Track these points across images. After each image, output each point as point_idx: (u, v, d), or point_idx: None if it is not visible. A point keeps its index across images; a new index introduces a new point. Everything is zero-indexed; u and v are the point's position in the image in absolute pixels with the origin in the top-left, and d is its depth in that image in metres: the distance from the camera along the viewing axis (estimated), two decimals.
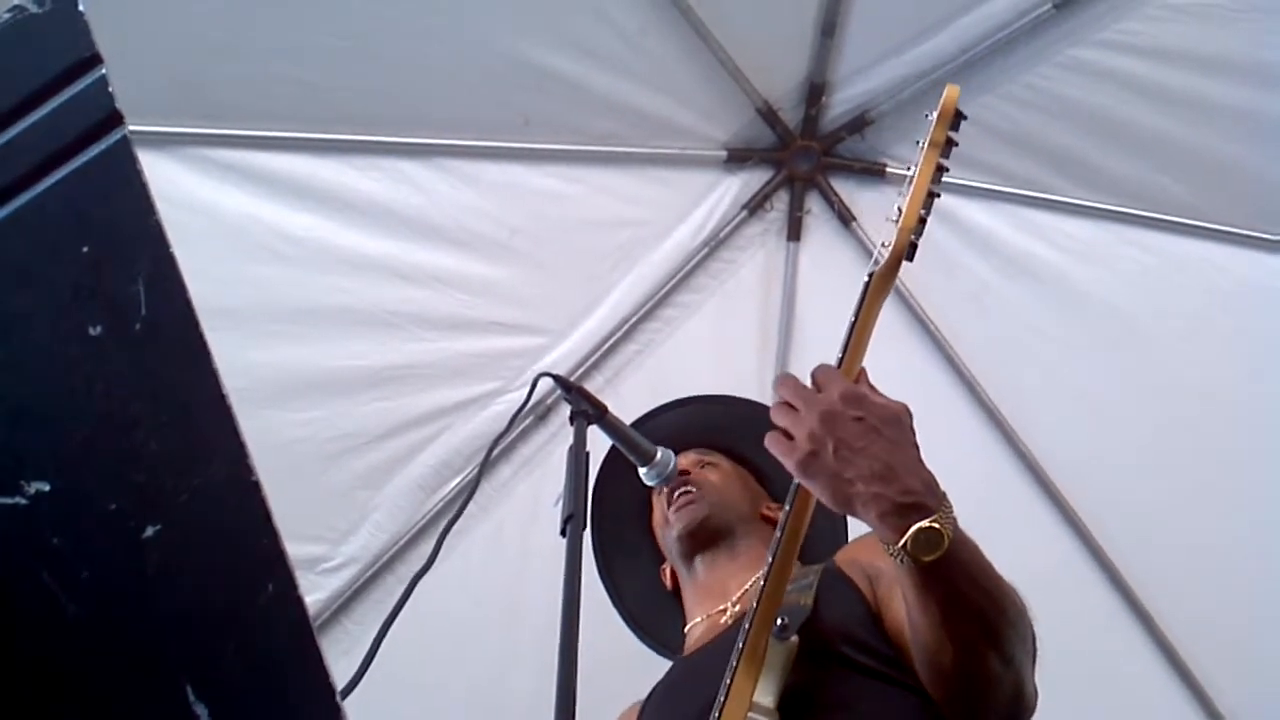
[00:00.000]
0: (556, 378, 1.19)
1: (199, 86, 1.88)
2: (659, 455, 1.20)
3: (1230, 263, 2.13)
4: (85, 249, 0.45)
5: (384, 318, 2.11)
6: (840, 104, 2.24)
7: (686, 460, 1.40)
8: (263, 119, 1.95)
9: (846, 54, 2.15)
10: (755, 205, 2.33)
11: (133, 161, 0.46)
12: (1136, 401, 2.21)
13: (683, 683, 1.20)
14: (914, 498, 0.87)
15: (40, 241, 0.45)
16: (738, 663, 0.99)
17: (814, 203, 2.35)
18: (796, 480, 0.95)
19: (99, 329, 0.44)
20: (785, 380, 0.96)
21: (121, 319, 0.44)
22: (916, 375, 2.25)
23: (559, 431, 2.23)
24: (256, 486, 0.45)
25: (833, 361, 0.98)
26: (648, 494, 1.44)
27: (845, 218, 2.33)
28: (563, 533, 0.98)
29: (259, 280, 2.02)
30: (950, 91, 1.02)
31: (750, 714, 0.97)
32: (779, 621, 1.01)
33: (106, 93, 0.46)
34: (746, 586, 1.25)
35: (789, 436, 0.92)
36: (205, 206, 1.94)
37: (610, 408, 1.17)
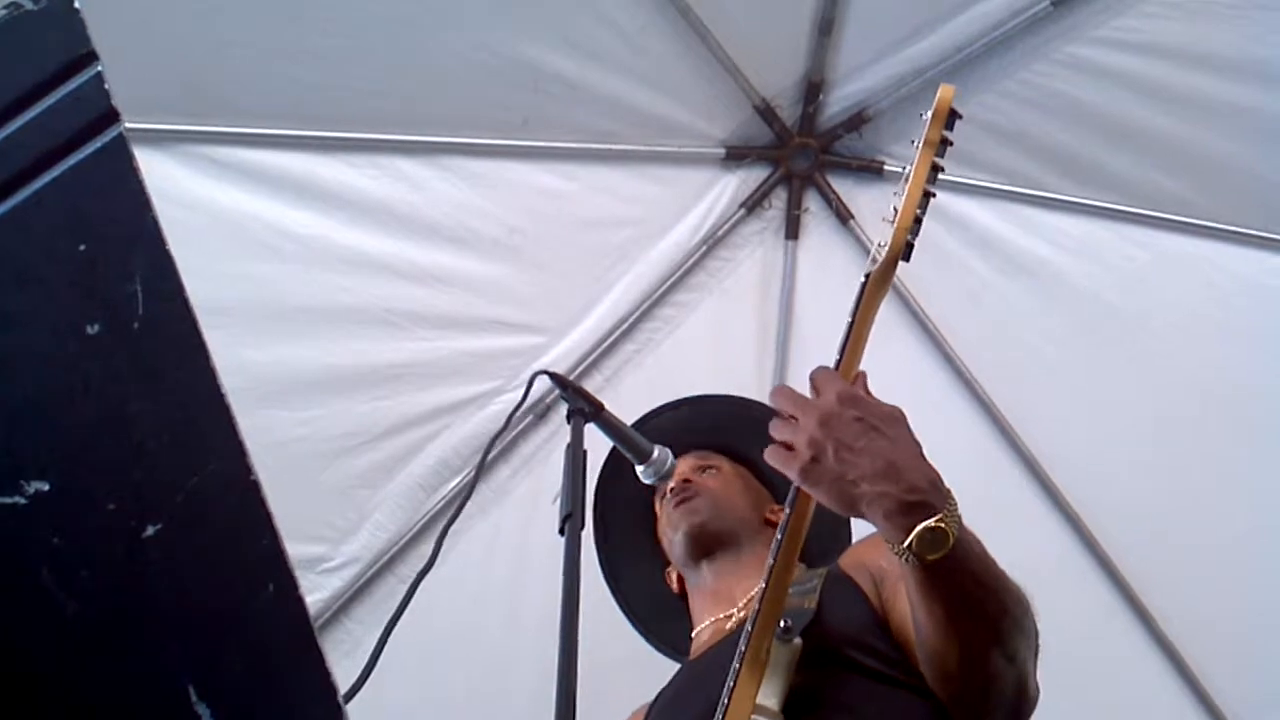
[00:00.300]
0: (554, 376, 1.19)
1: (196, 84, 1.88)
2: (656, 453, 1.19)
3: (1227, 260, 2.14)
4: (82, 247, 0.44)
5: (383, 316, 2.11)
6: (838, 102, 2.24)
7: (687, 465, 1.39)
8: (261, 117, 1.94)
9: (844, 52, 2.15)
10: (753, 203, 2.33)
11: (129, 159, 0.45)
12: (1134, 399, 2.21)
13: (687, 687, 1.20)
14: (919, 496, 0.86)
15: (37, 240, 0.45)
16: (740, 666, 0.99)
17: (812, 201, 2.35)
18: (800, 487, 0.94)
19: (96, 327, 0.44)
20: (780, 391, 0.95)
21: (119, 317, 0.44)
22: (914, 373, 2.25)
23: (558, 430, 2.23)
24: (256, 486, 0.45)
25: (830, 363, 0.98)
26: (652, 495, 1.44)
27: (843, 215, 2.33)
28: (561, 531, 0.98)
29: (257, 278, 2.02)
30: (944, 91, 1.02)
31: (754, 716, 0.97)
32: (782, 624, 1.01)
33: (102, 90, 0.45)
34: (752, 593, 1.24)
35: (789, 448, 0.91)
36: (203, 204, 1.94)
37: (609, 406, 1.17)
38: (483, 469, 1.80)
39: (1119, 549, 2.24)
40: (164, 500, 0.43)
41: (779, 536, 0.99)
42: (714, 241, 2.32)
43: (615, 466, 1.45)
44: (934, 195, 1.02)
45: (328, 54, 1.90)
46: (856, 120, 2.25)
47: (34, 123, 0.45)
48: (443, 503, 2.21)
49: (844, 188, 2.33)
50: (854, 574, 1.13)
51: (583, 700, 0.81)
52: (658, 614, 1.44)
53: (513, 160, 2.15)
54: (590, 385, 2.18)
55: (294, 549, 0.45)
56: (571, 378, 1.61)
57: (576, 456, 1.05)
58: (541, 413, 2.25)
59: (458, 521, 1.09)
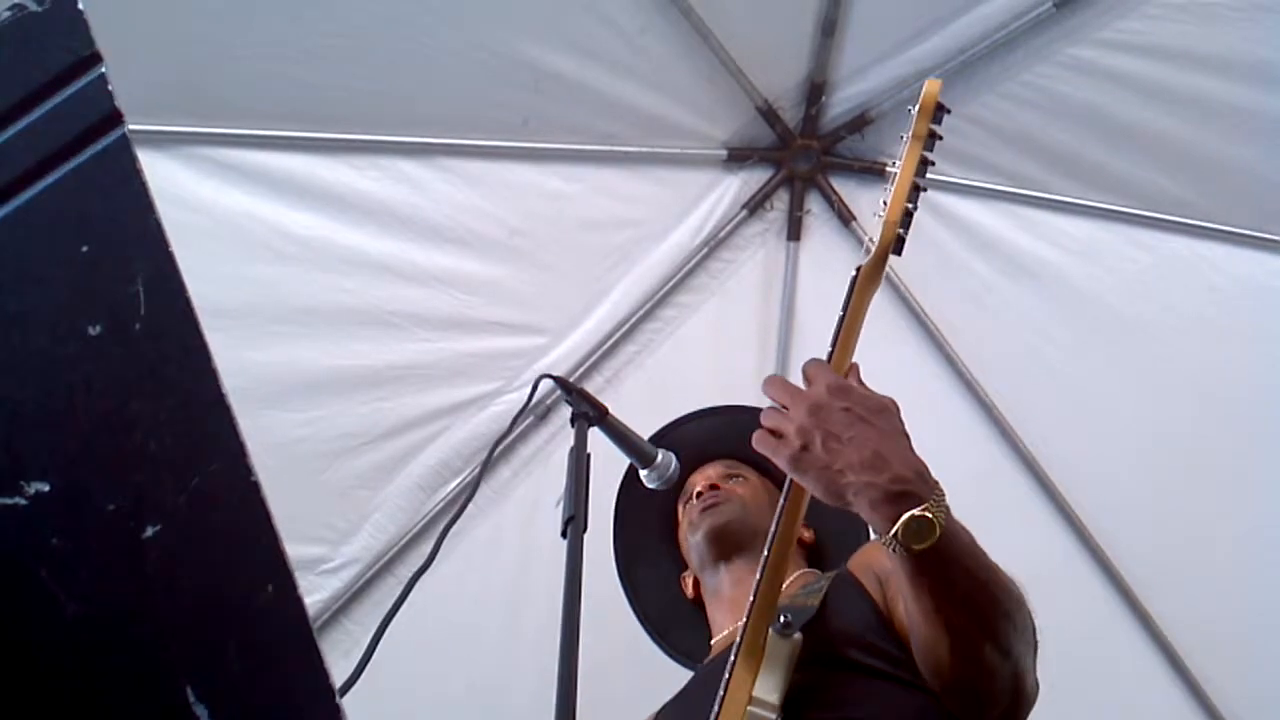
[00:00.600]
0: (558, 379, 1.19)
1: (199, 85, 1.88)
2: (660, 457, 1.20)
3: (1229, 262, 2.13)
4: (85, 249, 0.45)
5: (384, 317, 2.11)
6: (840, 103, 2.24)
7: (715, 472, 1.40)
8: (262, 118, 1.95)
9: (847, 53, 2.15)
10: (755, 204, 2.33)
11: (132, 160, 0.46)
12: (1135, 400, 2.21)
13: (695, 688, 1.20)
14: (904, 485, 0.87)
15: (39, 241, 0.45)
16: (735, 658, 0.99)
17: (814, 202, 2.35)
18: (789, 477, 0.95)
19: (98, 329, 0.44)
20: (772, 381, 0.96)
21: (121, 319, 0.44)
22: (915, 374, 2.25)
23: (559, 432, 2.23)
24: (256, 487, 0.45)
25: (824, 358, 0.98)
26: (672, 504, 1.44)
27: (845, 217, 2.33)
28: (563, 534, 0.98)
29: (259, 280, 2.02)
30: (930, 85, 1.03)
31: (751, 708, 0.97)
32: (782, 619, 1.01)
33: (106, 91, 0.45)
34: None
35: (779, 436, 0.92)
36: (205, 206, 1.94)
37: (610, 407, 1.17)
38: (486, 470, 1.80)
39: (1119, 549, 2.24)
40: (164, 501, 0.43)
41: (773, 529, 0.99)
42: (716, 243, 2.32)
43: (635, 474, 1.46)
44: (924, 189, 1.03)
45: (329, 55, 1.90)
46: (859, 122, 2.25)
47: (38, 124, 0.45)
48: (443, 504, 2.21)
49: (846, 189, 2.33)
50: (861, 576, 1.13)
51: (583, 701, 0.81)
52: (671, 621, 1.44)
53: (514, 161, 2.15)
54: (591, 386, 2.18)
55: (294, 550, 0.45)
56: (573, 379, 1.61)
57: (580, 460, 1.06)
58: (542, 414, 2.25)
59: (458, 522, 1.09)
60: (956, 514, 0.90)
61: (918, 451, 0.91)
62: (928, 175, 1.03)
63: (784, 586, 1.14)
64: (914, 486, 0.87)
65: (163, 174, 1.88)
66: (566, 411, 1.16)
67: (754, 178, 2.32)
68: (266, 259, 2.01)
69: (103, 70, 0.45)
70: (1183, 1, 1.92)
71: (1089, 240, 2.20)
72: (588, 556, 0.96)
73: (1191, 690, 2.21)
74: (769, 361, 2.36)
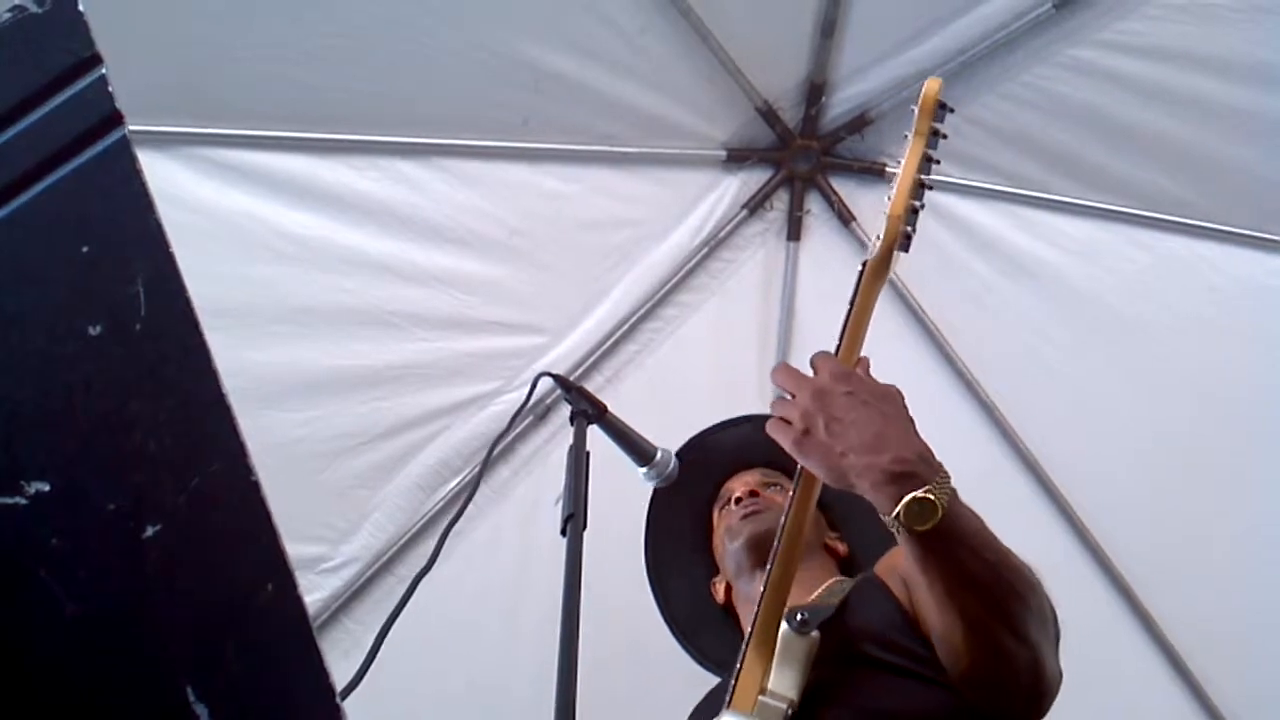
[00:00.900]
0: (556, 377, 1.19)
1: (199, 86, 1.88)
2: (658, 455, 1.20)
3: (1228, 262, 2.13)
4: (85, 249, 0.45)
5: (383, 317, 2.11)
6: (840, 103, 2.24)
7: (753, 479, 1.40)
8: (262, 119, 1.95)
9: (846, 53, 2.15)
10: (755, 205, 2.33)
11: (132, 161, 0.46)
12: (1135, 400, 2.21)
13: (719, 692, 1.20)
14: (905, 467, 0.87)
15: (40, 241, 0.45)
16: (747, 648, 1.00)
17: (814, 202, 2.35)
18: (798, 463, 0.96)
19: (99, 329, 0.44)
20: (780, 369, 0.99)
21: (121, 319, 0.44)
22: (915, 373, 2.25)
23: (559, 432, 2.23)
24: (256, 486, 0.45)
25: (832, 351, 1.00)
26: (706, 509, 1.44)
27: (845, 217, 2.33)
28: (563, 532, 0.99)
29: (258, 280, 2.02)
30: (930, 84, 1.04)
31: (763, 699, 0.98)
32: (799, 617, 1.02)
33: (106, 92, 0.46)
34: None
35: (787, 423, 0.94)
36: (205, 206, 1.94)
37: (610, 407, 1.17)
38: (486, 469, 1.81)
39: (1119, 549, 2.24)
40: (164, 501, 0.44)
41: (783, 520, 1.00)
42: (715, 243, 2.32)
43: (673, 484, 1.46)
44: (929, 187, 1.04)
45: (329, 56, 1.90)
46: (858, 122, 2.25)
47: (38, 125, 0.45)
48: (442, 503, 2.21)
49: (846, 189, 2.33)
50: (886, 578, 1.13)
51: (583, 700, 0.82)
52: (700, 626, 1.43)
53: (513, 162, 2.15)
54: (591, 386, 2.18)
55: (294, 549, 0.45)
56: (573, 378, 1.61)
57: (579, 458, 1.06)
58: (542, 413, 2.26)
59: (458, 521, 1.09)
60: (956, 488, 0.90)
61: (916, 429, 0.92)
62: (931, 174, 1.04)
63: (813, 594, 1.15)
64: (916, 467, 0.87)
65: (163, 175, 1.88)
66: (566, 411, 1.16)
67: (754, 178, 2.32)
68: (266, 259, 2.01)
69: (103, 71, 0.46)
70: (1182, 2, 1.92)
71: (1088, 240, 2.20)
72: (587, 554, 0.96)
73: (1192, 690, 2.21)
74: (769, 361, 2.36)
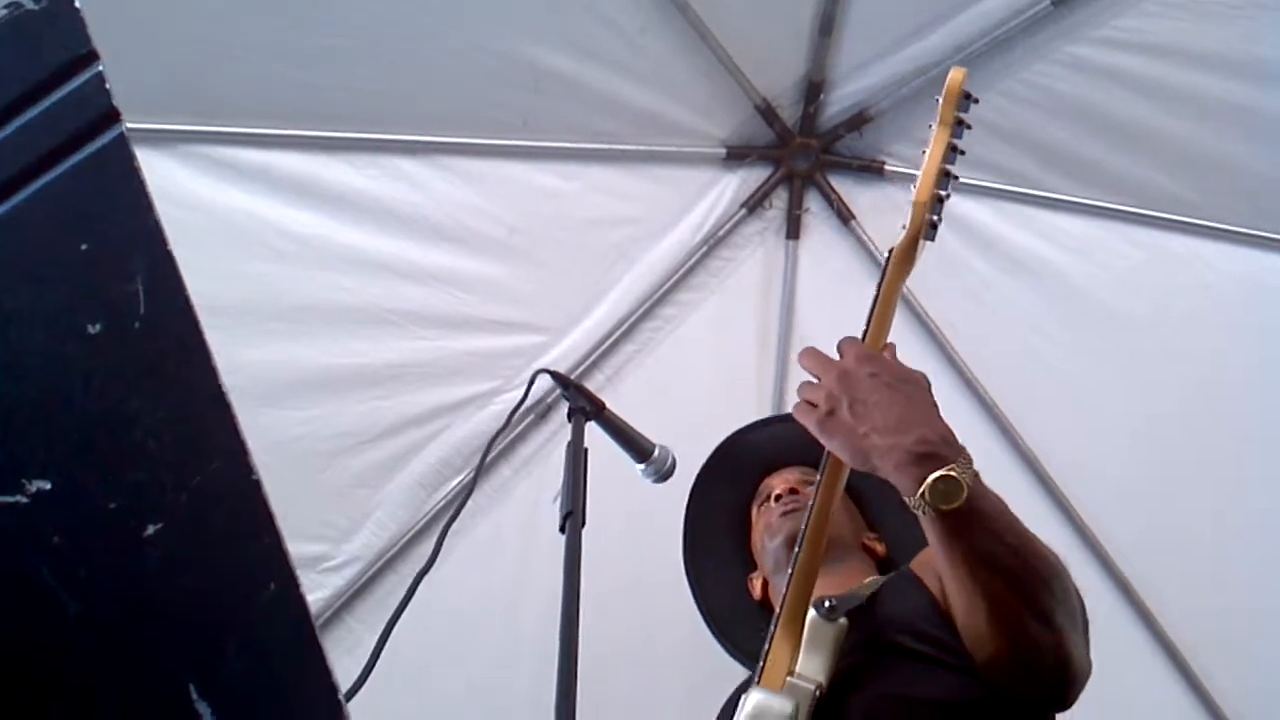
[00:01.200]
0: (554, 374, 1.19)
1: (197, 84, 1.88)
2: (656, 452, 1.20)
3: (1226, 260, 2.14)
4: (83, 247, 0.45)
5: (383, 316, 2.11)
6: (839, 101, 2.24)
7: (793, 476, 1.40)
8: (261, 117, 1.94)
9: (845, 51, 2.15)
10: (754, 203, 2.33)
11: (130, 159, 0.46)
12: (1133, 398, 2.21)
13: (747, 684, 1.21)
14: (929, 447, 0.88)
15: (38, 239, 0.45)
16: (775, 627, 1.01)
17: (813, 201, 2.35)
18: (825, 447, 0.97)
19: (98, 327, 0.44)
20: (806, 352, 0.99)
21: (120, 317, 0.44)
22: None
23: (558, 430, 2.23)
24: (257, 485, 0.45)
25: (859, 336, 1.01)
26: (744, 504, 1.44)
27: (844, 215, 2.33)
28: (561, 529, 0.98)
29: (258, 278, 2.02)
30: (955, 74, 1.05)
31: (790, 679, 0.98)
32: (826, 604, 1.02)
33: (103, 89, 0.45)
34: None
35: (813, 406, 0.95)
36: (204, 204, 1.94)
37: (609, 405, 1.17)
38: (483, 468, 1.80)
39: (1118, 547, 2.24)
40: (165, 499, 0.43)
41: (811, 503, 1.01)
42: (715, 241, 2.32)
43: (712, 472, 1.47)
44: (956, 177, 1.05)
45: (328, 54, 1.90)
46: (857, 120, 2.25)
47: (35, 122, 0.45)
48: (443, 502, 2.21)
49: (845, 188, 2.33)
50: (921, 572, 1.13)
51: (583, 700, 0.82)
52: (735, 621, 1.43)
53: (513, 160, 2.15)
54: (591, 384, 2.18)
55: (295, 548, 0.45)
56: (572, 377, 1.61)
57: (577, 455, 1.06)
58: (543, 412, 2.26)
59: (458, 520, 1.09)
60: (978, 470, 0.90)
61: (940, 412, 0.92)
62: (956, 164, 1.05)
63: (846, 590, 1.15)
64: (939, 449, 0.88)
65: (161, 172, 1.87)
66: (565, 410, 1.16)
67: (753, 176, 2.32)
68: (265, 257, 2.01)
69: (100, 68, 0.45)
70: None
71: (1086, 237, 2.20)
72: (586, 552, 0.96)
73: (1191, 685, 2.21)
74: (768, 360, 2.36)
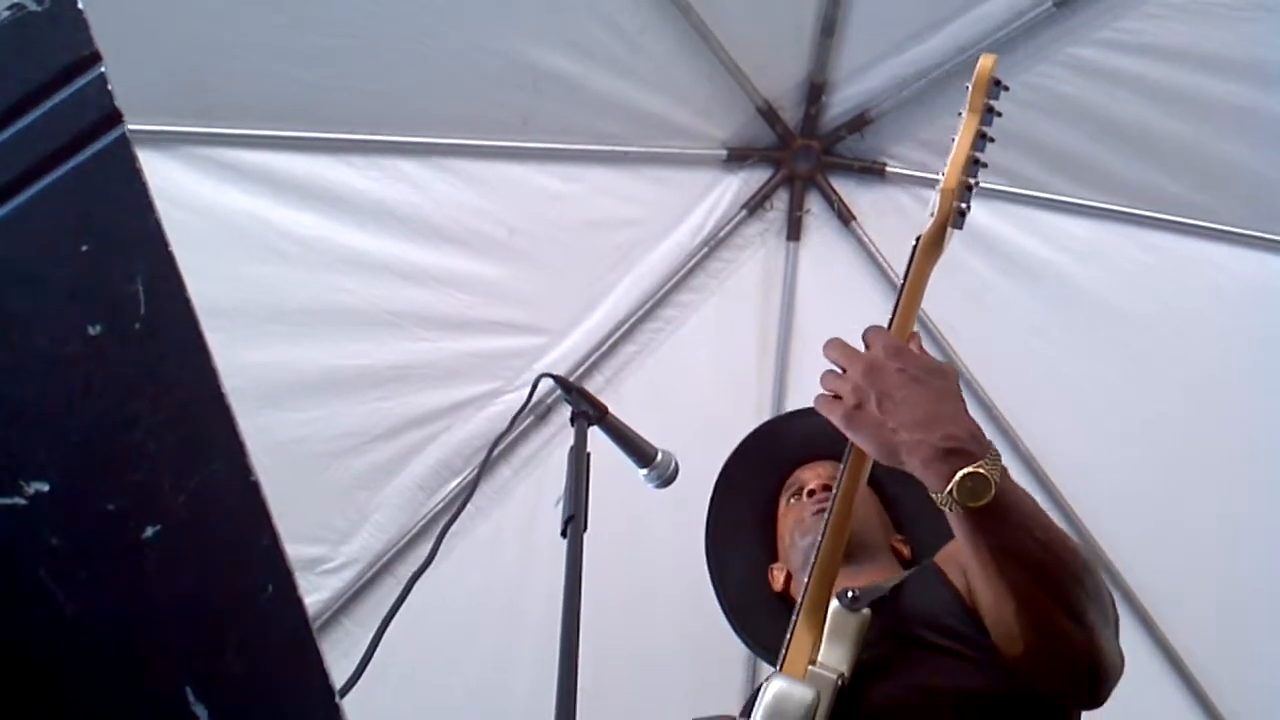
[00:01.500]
0: (557, 378, 1.19)
1: (198, 85, 1.88)
2: (659, 457, 1.19)
3: (1230, 262, 2.13)
4: (84, 248, 0.44)
5: (383, 317, 2.11)
6: (840, 103, 2.24)
7: (825, 472, 1.38)
8: (262, 118, 1.95)
9: (846, 53, 2.15)
10: (755, 204, 2.33)
11: (132, 160, 0.46)
12: (1136, 401, 2.21)
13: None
14: (956, 443, 0.87)
15: (39, 241, 0.45)
16: (798, 616, 1.00)
17: (814, 202, 2.35)
18: (848, 439, 0.96)
19: (98, 328, 0.44)
20: (832, 343, 0.97)
21: (121, 318, 0.44)
22: None
23: (559, 432, 2.23)
24: (256, 487, 0.45)
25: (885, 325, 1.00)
26: (772, 494, 1.43)
27: (845, 217, 2.33)
28: (563, 533, 0.98)
29: (258, 279, 2.02)
30: (984, 60, 1.05)
31: (813, 668, 0.98)
32: (849, 594, 1.02)
33: (106, 91, 0.45)
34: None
35: (838, 398, 0.93)
36: (205, 205, 1.94)
37: (610, 407, 1.17)
38: (485, 470, 1.81)
39: (1118, 549, 2.24)
40: (164, 501, 0.43)
41: (835, 489, 1.00)
42: (715, 243, 2.32)
43: (742, 459, 1.45)
44: (984, 164, 1.05)
45: (329, 55, 1.90)
46: (859, 121, 2.25)
47: (37, 124, 0.45)
48: (443, 504, 2.21)
49: (846, 189, 2.33)
50: (945, 566, 1.13)
51: (583, 699, 0.81)
52: (753, 612, 1.42)
53: (514, 161, 2.15)
54: (591, 386, 2.18)
55: (294, 550, 0.45)
56: (573, 378, 1.61)
57: (580, 460, 1.06)
58: (543, 414, 2.25)
59: (458, 522, 1.09)
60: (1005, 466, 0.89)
61: (966, 408, 0.91)
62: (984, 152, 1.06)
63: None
64: (967, 445, 0.87)
65: (162, 174, 1.87)
66: (566, 411, 1.16)
67: (754, 177, 2.32)
68: (266, 259, 2.01)
69: (102, 70, 0.45)
70: (1183, 1, 1.92)
71: (1089, 240, 2.20)
72: (588, 556, 0.96)
73: (1189, 688, 2.21)
74: (768, 361, 2.36)
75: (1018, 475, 2.32)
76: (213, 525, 0.44)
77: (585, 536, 0.98)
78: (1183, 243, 2.15)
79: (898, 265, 2.17)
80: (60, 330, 0.44)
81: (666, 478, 1.20)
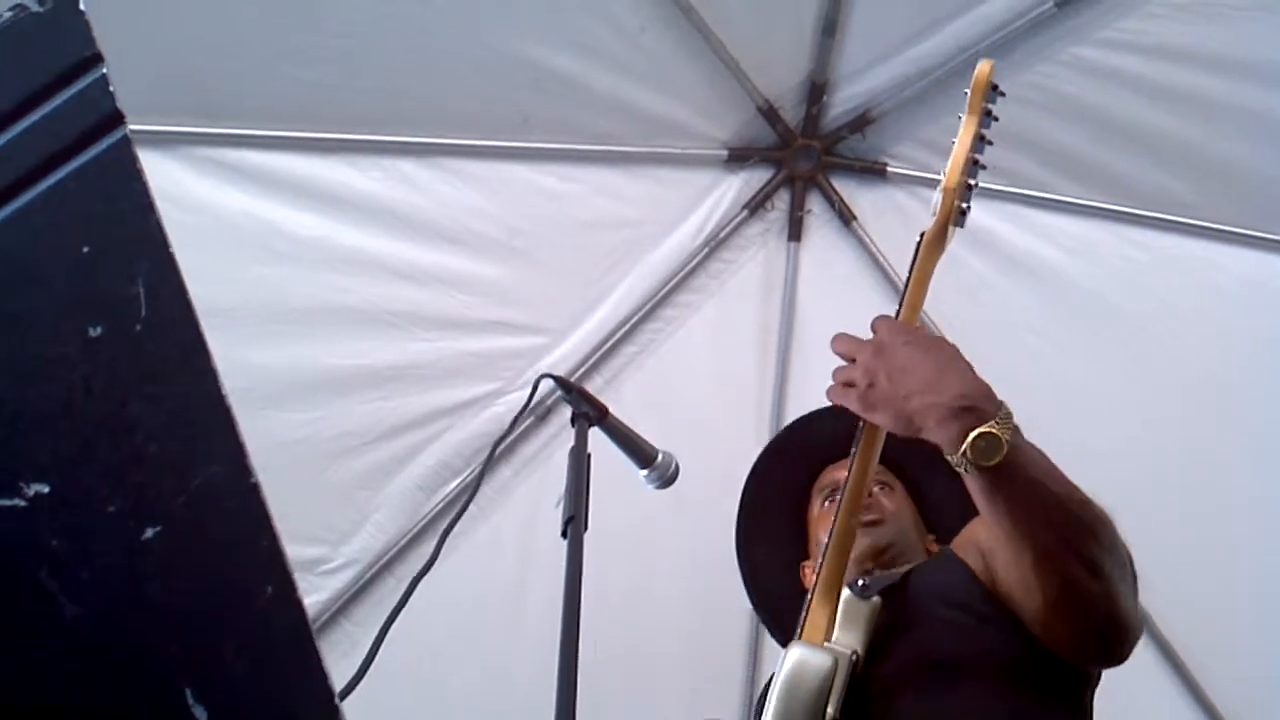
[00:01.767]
0: (558, 379, 1.19)
1: (200, 86, 1.88)
2: (660, 458, 1.19)
3: (1228, 261, 2.13)
4: (85, 249, 0.45)
5: (384, 317, 2.11)
6: (841, 103, 2.24)
7: None
8: (263, 118, 1.95)
9: (847, 53, 2.15)
10: (756, 205, 2.33)
11: (133, 161, 0.46)
12: (1134, 400, 2.21)
13: None
14: (968, 401, 0.89)
15: (40, 241, 0.45)
16: (813, 595, 1.02)
17: (815, 202, 2.35)
18: (863, 422, 0.98)
19: (99, 329, 0.44)
20: (838, 337, 1.00)
21: (121, 319, 0.44)
22: None
23: (560, 433, 2.23)
24: (256, 488, 0.45)
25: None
26: (804, 490, 1.43)
27: (846, 217, 2.33)
28: (564, 534, 0.98)
29: (259, 280, 2.02)
30: (982, 66, 1.10)
31: (828, 644, 0.99)
32: (860, 582, 1.04)
33: (107, 92, 0.45)
34: None
35: (851, 386, 0.96)
36: (206, 206, 1.94)
37: (610, 407, 1.17)
38: (487, 470, 1.80)
39: None
40: (164, 502, 0.43)
41: (849, 472, 1.02)
42: (716, 243, 2.32)
43: (777, 453, 1.47)
44: (984, 166, 1.09)
45: (330, 56, 1.90)
46: (860, 121, 2.25)
47: (39, 125, 0.45)
48: (443, 504, 2.21)
49: (847, 189, 2.32)
50: (962, 552, 1.13)
51: (583, 699, 0.81)
52: (784, 607, 1.39)
53: (514, 161, 2.15)
54: (591, 386, 2.18)
55: (294, 550, 0.45)
56: (573, 379, 1.61)
57: (580, 460, 1.06)
58: (543, 414, 2.25)
59: (459, 522, 1.09)
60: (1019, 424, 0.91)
61: (976, 372, 0.94)
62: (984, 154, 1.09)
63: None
64: (979, 403, 0.89)
65: (164, 174, 1.88)
66: (567, 412, 1.16)
67: (755, 178, 2.32)
68: (267, 259, 2.01)
69: (104, 71, 0.45)
70: (1184, 1, 1.92)
71: (1088, 239, 2.20)
72: (588, 557, 0.96)
73: (1189, 688, 2.21)
74: (769, 361, 2.36)
75: None
76: (213, 527, 0.44)
77: (585, 537, 0.98)
78: (1182, 242, 2.15)
79: (899, 265, 2.17)
80: (61, 331, 0.44)
81: (667, 478, 1.20)
